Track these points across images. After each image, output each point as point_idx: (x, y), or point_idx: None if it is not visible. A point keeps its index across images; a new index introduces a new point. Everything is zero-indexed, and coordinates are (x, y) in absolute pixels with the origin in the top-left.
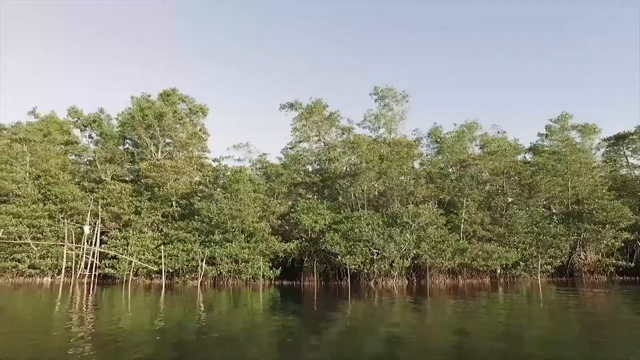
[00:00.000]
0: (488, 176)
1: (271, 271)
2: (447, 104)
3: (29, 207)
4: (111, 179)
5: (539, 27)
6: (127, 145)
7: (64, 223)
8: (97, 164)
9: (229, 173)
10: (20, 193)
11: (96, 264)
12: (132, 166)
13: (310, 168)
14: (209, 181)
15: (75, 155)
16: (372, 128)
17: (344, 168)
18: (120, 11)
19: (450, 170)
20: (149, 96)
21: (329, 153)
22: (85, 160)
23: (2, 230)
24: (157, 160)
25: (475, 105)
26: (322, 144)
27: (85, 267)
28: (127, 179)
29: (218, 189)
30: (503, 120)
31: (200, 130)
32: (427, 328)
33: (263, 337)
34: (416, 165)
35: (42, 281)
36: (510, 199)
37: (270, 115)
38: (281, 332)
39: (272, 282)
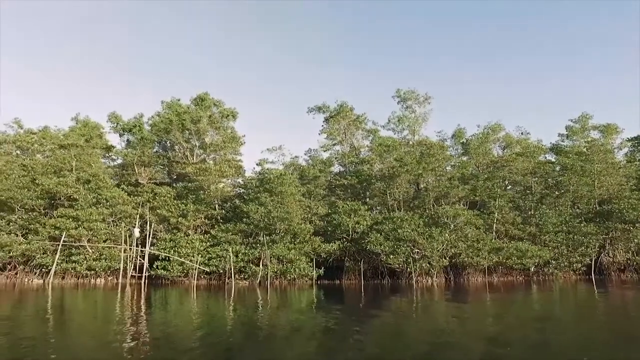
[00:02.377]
0: (518, 177)
1: (314, 271)
2: (457, 104)
3: (85, 210)
4: (147, 183)
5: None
6: (155, 149)
7: (114, 225)
8: (135, 167)
9: (274, 176)
10: (77, 197)
11: (146, 265)
12: (164, 169)
13: (337, 170)
14: (255, 184)
15: (107, 159)
16: (396, 130)
17: (379, 170)
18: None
19: (479, 171)
20: (179, 100)
21: (362, 155)
22: (116, 163)
23: (65, 233)
24: (193, 163)
25: (488, 104)
26: (349, 146)
27: (136, 269)
28: (162, 181)
29: (265, 192)
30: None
31: (230, 133)
32: (476, 323)
33: (317, 333)
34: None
35: (95, 282)
36: (537, 199)
37: (284, 117)
38: (335, 328)
39: (315, 281)
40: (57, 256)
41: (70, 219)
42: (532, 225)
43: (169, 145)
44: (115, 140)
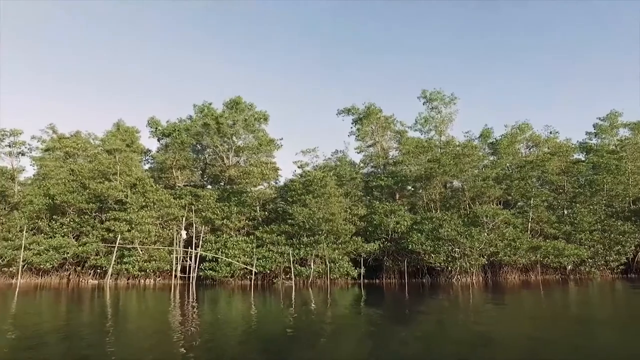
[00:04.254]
0: (553, 176)
1: (355, 270)
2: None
3: (137, 213)
4: (184, 185)
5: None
6: (188, 152)
7: (162, 228)
8: (173, 171)
9: (317, 178)
10: (128, 200)
11: (193, 266)
12: (197, 172)
13: (365, 171)
14: (298, 186)
15: (141, 163)
16: (423, 131)
17: (415, 170)
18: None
19: (511, 171)
20: (210, 104)
21: (391, 156)
22: (148, 167)
23: (119, 235)
24: (233, 166)
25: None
26: (380, 148)
27: (184, 270)
28: (197, 184)
29: (308, 194)
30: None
31: (262, 135)
32: (519, 322)
33: (367, 330)
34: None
35: (145, 283)
36: (570, 197)
37: (301, 118)
38: (384, 325)
39: (355, 280)
40: (113, 258)
41: (124, 222)
42: (567, 224)
43: (199, 148)
44: (146, 144)
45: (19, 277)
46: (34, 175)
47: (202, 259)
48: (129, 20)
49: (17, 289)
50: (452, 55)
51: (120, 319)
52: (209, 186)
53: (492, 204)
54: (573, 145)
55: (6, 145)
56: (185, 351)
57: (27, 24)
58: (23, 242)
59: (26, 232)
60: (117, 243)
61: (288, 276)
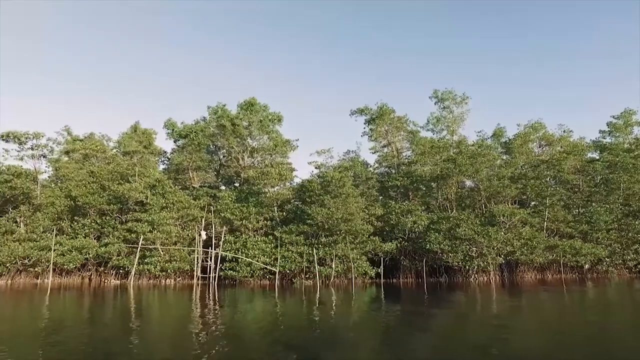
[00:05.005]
0: (569, 175)
1: (373, 270)
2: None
3: (159, 214)
4: (199, 186)
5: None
6: (203, 153)
7: (181, 228)
8: (190, 172)
9: (335, 179)
10: (149, 202)
11: (213, 266)
12: (212, 173)
13: (378, 171)
14: (316, 186)
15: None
16: (435, 130)
17: (430, 170)
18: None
19: (526, 170)
20: (224, 105)
21: (404, 156)
22: (164, 168)
23: (141, 236)
24: (250, 167)
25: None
26: (394, 148)
27: (204, 270)
28: (213, 185)
29: (326, 194)
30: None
31: (275, 136)
32: (539, 321)
33: (392, 327)
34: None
35: (165, 283)
36: (586, 196)
37: (310, 119)
38: (407, 322)
39: (373, 280)
40: (136, 258)
41: (145, 223)
42: (583, 223)
43: (213, 149)
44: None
45: (50, 277)
46: (49, 176)
47: (222, 259)
48: (127, 21)
49: (49, 289)
50: (462, 56)
51: (149, 318)
52: (223, 187)
53: (508, 204)
54: (588, 144)
55: (29, 148)
56: (216, 350)
57: (32, 24)
58: (52, 243)
59: (50, 233)
60: (139, 244)
61: (307, 276)
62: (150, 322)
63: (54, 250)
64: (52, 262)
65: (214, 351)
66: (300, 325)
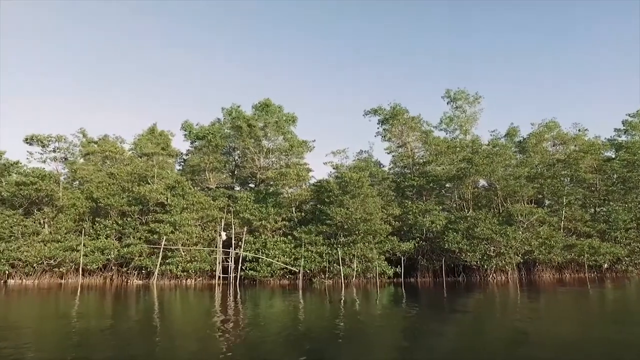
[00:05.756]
0: (586, 175)
1: (391, 269)
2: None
3: (181, 215)
4: (215, 187)
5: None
6: (219, 154)
7: (202, 229)
8: (207, 173)
9: (354, 179)
10: (170, 202)
11: (233, 266)
12: (227, 174)
13: (392, 171)
14: (334, 187)
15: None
16: (448, 130)
17: (446, 170)
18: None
19: (540, 170)
20: (239, 107)
21: (417, 156)
22: (180, 169)
23: (164, 237)
24: (259, 167)
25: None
26: (409, 148)
27: (225, 270)
28: (229, 186)
29: (345, 194)
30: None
31: (290, 137)
32: (559, 321)
33: (415, 330)
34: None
35: (186, 283)
36: (603, 195)
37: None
38: (429, 321)
39: (391, 279)
40: (159, 259)
41: (167, 224)
42: (601, 222)
43: (227, 150)
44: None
45: (80, 278)
46: (64, 179)
47: (242, 259)
48: (126, 21)
49: (79, 288)
50: (474, 56)
51: (179, 316)
52: (237, 187)
53: (524, 203)
54: (604, 143)
55: (51, 151)
56: (247, 349)
57: (35, 24)
58: (81, 244)
59: (76, 234)
60: (162, 244)
61: (327, 275)
62: (180, 320)
63: (77, 251)
64: (80, 262)
65: (241, 343)
66: (325, 324)
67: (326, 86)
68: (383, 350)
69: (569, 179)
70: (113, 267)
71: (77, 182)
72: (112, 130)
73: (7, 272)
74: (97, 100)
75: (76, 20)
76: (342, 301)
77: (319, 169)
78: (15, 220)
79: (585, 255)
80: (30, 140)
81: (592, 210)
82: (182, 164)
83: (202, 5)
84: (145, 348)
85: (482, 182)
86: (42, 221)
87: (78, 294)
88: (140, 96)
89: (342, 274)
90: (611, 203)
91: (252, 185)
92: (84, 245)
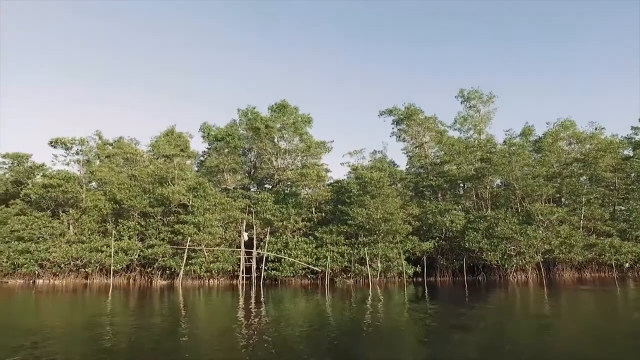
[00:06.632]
0: (606, 173)
1: (411, 268)
2: None
3: (205, 216)
4: (233, 188)
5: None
6: (237, 155)
7: (224, 230)
8: (225, 174)
9: (374, 180)
10: (193, 204)
11: (256, 267)
12: (245, 175)
13: (408, 170)
14: (354, 187)
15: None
16: (462, 130)
17: (464, 170)
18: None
19: (558, 169)
20: (254, 108)
21: (432, 156)
22: (196, 170)
23: (188, 238)
24: (277, 168)
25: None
26: (425, 147)
27: (247, 271)
28: (246, 187)
29: (366, 194)
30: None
31: (306, 137)
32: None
33: (439, 326)
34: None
35: (209, 283)
36: (623, 194)
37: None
38: (454, 320)
39: (411, 278)
40: (184, 259)
41: (192, 225)
42: (621, 221)
43: (243, 152)
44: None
45: (111, 276)
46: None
47: (265, 260)
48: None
49: (111, 288)
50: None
51: (211, 315)
52: (253, 188)
53: (542, 202)
54: (621, 141)
55: (74, 153)
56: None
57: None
58: (112, 246)
59: (97, 235)
60: (186, 245)
61: (348, 275)
62: (215, 317)
63: (102, 252)
64: (112, 262)
65: (278, 339)
66: (350, 322)
67: (333, 85)
68: (411, 347)
69: (587, 177)
70: (136, 268)
71: (94, 183)
72: (121, 131)
73: (36, 272)
74: (104, 100)
75: (95, 18)
76: (368, 300)
77: (333, 169)
78: (43, 222)
79: (607, 254)
80: (54, 143)
81: (612, 209)
82: (199, 165)
83: (215, 4)
84: (185, 343)
85: (497, 181)
86: (67, 222)
87: (110, 293)
88: (132, 95)
89: (368, 274)
90: (631, 202)
91: (267, 186)
92: (108, 246)
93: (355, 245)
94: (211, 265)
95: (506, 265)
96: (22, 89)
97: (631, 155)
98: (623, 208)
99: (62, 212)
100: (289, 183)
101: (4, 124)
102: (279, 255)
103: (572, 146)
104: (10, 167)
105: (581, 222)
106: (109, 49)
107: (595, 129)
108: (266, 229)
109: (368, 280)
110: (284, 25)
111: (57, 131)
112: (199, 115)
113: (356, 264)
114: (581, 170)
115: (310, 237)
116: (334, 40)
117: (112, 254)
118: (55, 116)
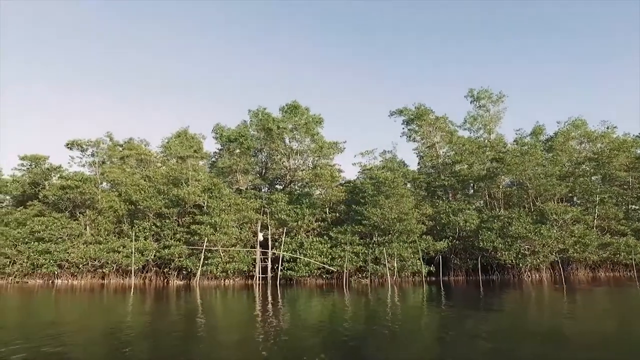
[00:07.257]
0: (620, 172)
1: (425, 268)
2: None
3: (221, 217)
4: (246, 189)
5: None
6: (249, 156)
7: (240, 230)
8: (238, 175)
9: (389, 180)
10: (209, 204)
11: (271, 267)
12: (256, 175)
13: (420, 171)
14: (368, 187)
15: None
16: (472, 130)
17: (477, 169)
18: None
19: (571, 168)
20: (265, 109)
21: (442, 156)
22: (208, 171)
23: (205, 238)
24: (289, 169)
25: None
26: (437, 147)
27: (263, 271)
28: (258, 187)
29: (380, 194)
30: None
31: (318, 139)
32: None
33: (460, 322)
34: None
35: (225, 283)
36: (637, 193)
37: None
38: (472, 319)
39: (425, 278)
40: (201, 260)
41: (208, 226)
42: (635, 220)
43: (254, 152)
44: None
45: (133, 277)
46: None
47: (280, 259)
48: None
49: (133, 289)
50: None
51: (230, 314)
52: (265, 189)
53: (555, 201)
54: (635, 140)
55: (90, 155)
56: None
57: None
58: (132, 246)
59: (113, 235)
60: (203, 245)
61: (364, 275)
62: (231, 317)
63: (119, 252)
64: (132, 263)
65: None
66: (367, 321)
67: (341, 84)
68: (433, 349)
69: (600, 177)
70: (152, 268)
71: (105, 184)
72: (130, 133)
73: (55, 272)
74: (113, 102)
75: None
76: (385, 299)
77: (343, 168)
78: (62, 222)
79: (624, 254)
80: (71, 145)
81: (626, 208)
82: (210, 166)
83: (224, 5)
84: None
85: (508, 180)
86: (84, 223)
87: (132, 293)
88: (156, 98)
89: (387, 273)
90: None
91: (279, 187)
92: (124, 246)
93: (370, 245)
94: (227, 265)
95: (520, 265)
96: (22, 89)
97: None
98: (637, 207)
99: (79, 213)
100: (302, 183)
101: (20, 125)
102: (295, 255)
103: (584, 145)
104: (28, 169)
105: (595, 221)
106: (117, 51)
107: (607, 127)
108: (281, 229)
109: (383, 280)
110: (292, 25)
111: (63, 133)
112: (206, 117)
113: (371, 264)
114: (594, 170)
115: (324, 237)
116: (342, 39)
117: (132, 254)
118: (61, 118)
